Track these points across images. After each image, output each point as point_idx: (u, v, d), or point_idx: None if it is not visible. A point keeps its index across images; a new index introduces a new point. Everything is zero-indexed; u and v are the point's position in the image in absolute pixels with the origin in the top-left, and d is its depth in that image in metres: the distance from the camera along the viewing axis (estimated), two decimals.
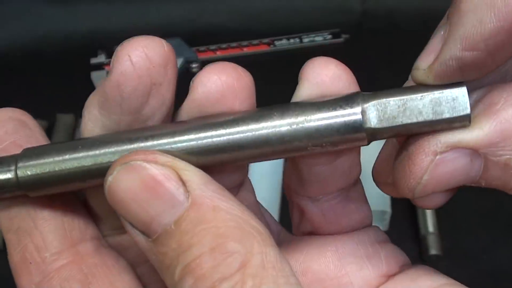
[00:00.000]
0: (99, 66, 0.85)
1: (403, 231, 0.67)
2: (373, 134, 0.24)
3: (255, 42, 0.89)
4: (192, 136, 0.24)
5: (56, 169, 0.24)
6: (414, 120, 0.23)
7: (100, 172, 0.24)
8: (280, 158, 0.25)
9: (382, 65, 0.83)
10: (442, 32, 0.23)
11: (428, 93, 0.23)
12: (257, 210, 0.30)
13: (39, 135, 0.27)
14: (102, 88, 0.24)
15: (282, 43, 0.89)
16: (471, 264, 0.63)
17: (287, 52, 0.88)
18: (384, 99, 0.24)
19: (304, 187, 0.28)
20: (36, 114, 0.86)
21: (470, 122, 0.23)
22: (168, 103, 0.25)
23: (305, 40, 0.89)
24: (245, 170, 0.29)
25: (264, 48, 0.88)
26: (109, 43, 0.90)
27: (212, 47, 0.88)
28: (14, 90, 0.85)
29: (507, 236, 0.66)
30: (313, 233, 0.30)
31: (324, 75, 0.25)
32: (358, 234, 0.30)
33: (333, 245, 0.30)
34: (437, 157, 0.23)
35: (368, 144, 0.24)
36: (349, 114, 0.24)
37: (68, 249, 0.25)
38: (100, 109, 0.25)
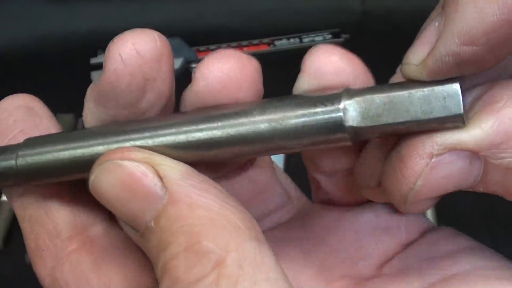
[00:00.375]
0: (99, 66, 0.85)
1: None
2: (356, 134, 0.22)
3: (255, 42, 0.89)
4: (172, 131, 0.23)
5: (54, 158, 0.24)
6: (401, 120, 0.22)
7: (88, 164, 0.24)
8: (265, 155, 0.25)
9: (382, 65, 0.83)
10: (436, 24, 0.21)
11: (417, 90, 0.21)
12: (272, 184, 0.29)
13: (49, 122, 0.27)
14: (97, 84, 0.24)
15: (282, 43, 0.89)
16: None
17: (287, 52, 0.88)
18: (368, 96, 0.22)
19: (317, 165, 0.28)
20: None
21: (464, 122, 0.21)
22: (165, 95, 0.25)
23: (305, 40, 0.89)
24: None
25: (264, 48, 0.88)
26: (109, 43, 0.90)
27: (212, 47, 0.88)
28: (14, 90, 0.85)
29: (507, 236, 0.66)
30: (331, 202, 0.29)
31: (325, 68, 0.24)
32: (374, 206, 0.29)
33: (350, 216, 0.29)
34: (433, 160, 0.21)
35: (353, 144, 0.23)
36: (330, 112, 0.22)
37: (78, 234, 0.25)
38: (96, 104, 0.25)
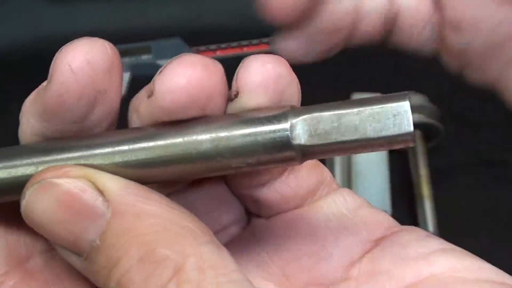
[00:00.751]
0: None
1: None
2: (304, 153, 0.22)
3: (255, 42, 0.89)
4: (109, 150, 0.22)
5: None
6: (350, 137, 0.21)
7: (18, 185, 0.22)
8: (210, 176, 0.23)
9: (382, 65, 0.83)
10: None
11: (366, 107, 0.21)
12: (229, 198, 0.28)
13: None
14: (40, 97, 0.23)
15: None
16: None
17: None
18: (317, 114, 0.21)
19: (251, 180, 0.26)
20: None
21: (414, 140, 0.21)
22: (115, 109, 0.23)
23: None
24: None
25: (264, 48, 0.88)
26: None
27: (212, 47, 0.88)
28: (14, 90, 0.85)
29: (507, 236, 0.66)
30: (279, 212, 0.28)
31: (266, 77, 0.23)
32: (331, 201, 0.28)
33: (303, 217, 0.28)
34: None
35: (300, 163, 0.22)
36: (277, 131, 0.21)
37: (15, 269, 0.24)
38: (40, 119, 0.23)
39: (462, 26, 0.29)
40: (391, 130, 0.21)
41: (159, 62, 0.85)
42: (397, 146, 0.21)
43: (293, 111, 0.22)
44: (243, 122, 0.22)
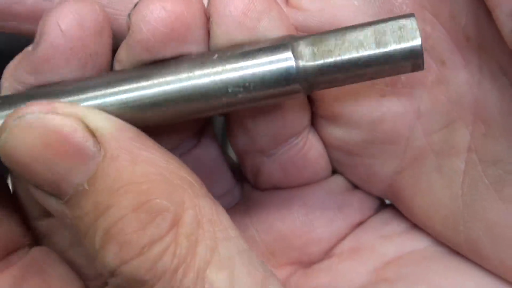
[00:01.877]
0: None
1: None
2: (309, 80, 0.21)
3: None
4: (105, 91, 0.21)
5: None
6: (354, 55, 0.20)
7: None
8: (213, 115, 0.22)
9: None
10: None
11: (371, 25, 0.20)
12: (220, 166, 0.28)
13: None
14: (28, 60, 0.21)
15: None
16: None
17: None
18: (318, 36, 0.21)
19: (254, 141, 0.26)
20: None
21: (423, 60, 0.20)
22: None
23: None
24: (199, 124, 0.26)
25: None
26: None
27: None
28: None
29: None
30: (276, 187, 0.28)
31: (236, 2, 0.22)
32: (326, 184, 0.28)
33: (299, 199, 0.27)
34: None
35: (305, 95, 0.21)
36: (281, 60, 0.20)
37: (3, 260, 0.23)
38: (27, 74, 0.22)
39: (338, 121, 0.26)
40: (398, 42, 0.20)
41: None
42: (406, 67, 0.20)
43: (293, 38, 0.21)
44: (245, 55, 0.20)
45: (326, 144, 0.27)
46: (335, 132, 0.26)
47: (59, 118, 0.19)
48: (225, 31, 0.22)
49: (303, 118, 0.26)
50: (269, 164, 0.27)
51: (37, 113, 0.19)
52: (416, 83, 0.25)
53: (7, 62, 0.86)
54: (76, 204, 0.19)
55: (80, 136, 0.19)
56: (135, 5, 0.21)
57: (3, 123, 0.19)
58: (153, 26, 0.20)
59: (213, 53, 0.21)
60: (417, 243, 0.27)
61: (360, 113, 0.25)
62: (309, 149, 0.27)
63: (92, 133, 0.19)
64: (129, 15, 0.21)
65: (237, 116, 0.26)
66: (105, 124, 0.19)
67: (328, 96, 0.25)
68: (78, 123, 0.19)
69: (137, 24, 0.21)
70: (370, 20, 0.22)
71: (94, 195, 0.19)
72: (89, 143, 0.19)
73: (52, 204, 0.20)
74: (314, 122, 0.27)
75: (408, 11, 0.24)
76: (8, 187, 0.25)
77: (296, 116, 0.26)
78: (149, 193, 0.19)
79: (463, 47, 0.24)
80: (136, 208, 0.18)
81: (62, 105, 0.20)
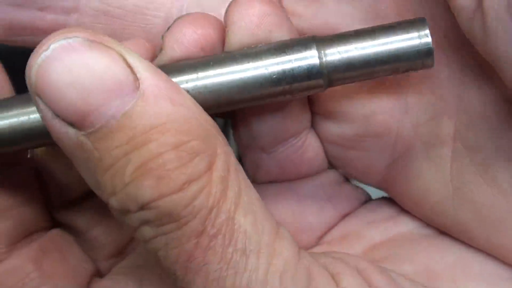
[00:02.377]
0: None
1: None
2: (330, 77, 0.24)
3: None
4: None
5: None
6: (372, 55, 0.23)
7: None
8: (253, 105, 0.24)
9: None
10: None
11: (383, 27, 0.24)
12: None
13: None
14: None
15: None
16: None
17: None
18: (339, 35, 0.24)
19: (256, 139, 0.28)
20: None
21: (433, 53, 0.23)
22: None
23: None
24: None
25: None
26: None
27: None
28: (14, 90, 0.84)
29: None
30: (272, 181, 0.30)
31: (251, 15, 0.24)
32: (318, 177, 0.30)
33: (292, 190, 0.30)
34: None
35: (324, 90, 0.24)
36: (307, 58, 0.23)
37: (22, 241, 0.26)
38: None
39: (333, 117, 0.28)
40: (410, 44, 0.23)
41: None
42: (417, 65, 0.23)
43: (315, 40, 0.23)
44: (275, 52, 0.23)
45: (323, 140, 0.29)
46: (331, 128, 0.28)
47: (104, 49, 0.19)
48: (239, 40, 0.24)
49: (304, 120, 0.29)
50: (268, 161, 0.29)
51: (81, 38, 0.19)
52: (403, 80, 0.27)
53: (23, 77, 0.86)
54: (103, 137, 0.19)
55: (121, 69, 0.19)
56: (168, 28, 0.24)
57: (44, 42, 0.19)
58: (185, 47, 0.24)
59: (249, 50, 0.24)
60: (402, 227, 0.29)
61: (353, 109, 0.28)
62: (307, 148, 0.29)
63: (131, 69, 0.20)
64: (162, 37, 0.24)
65: (243, 115, 0.28)
66: (144, 64, 0.20)
67: (323, 94, 0.27)
68: (120, 57, 0.20)
69: (170, 45, 0.24)
70: (360, 24, 0.25)
71: (129, 129, 0.19)
72: (130, 77, 0.20)
73: (68, 134, 0.20)
74: (311, 120, 0.30)
75: (392, 15, 0.26)
76: (34, 171, 0.28)
77: (297, 118, 0.28)
78: (189, 134, 0.20)
79: (445, 48, 0.26)
80: (177, 146, 0.19)
81: (107, 38, 0.20)
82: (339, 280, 0.22)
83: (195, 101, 0.21)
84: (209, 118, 0.21)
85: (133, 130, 0.19)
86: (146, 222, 0.20)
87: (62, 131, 0.20)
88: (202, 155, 0.20)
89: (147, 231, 0.20)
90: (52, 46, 0.19)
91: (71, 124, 0.20)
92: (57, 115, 0.20)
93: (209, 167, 0.20)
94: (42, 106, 0.20)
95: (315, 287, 0.21)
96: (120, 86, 0.19)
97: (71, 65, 0.19)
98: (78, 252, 0.28)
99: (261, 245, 0.21)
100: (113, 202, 0.20)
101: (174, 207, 0.19)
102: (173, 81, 0.21)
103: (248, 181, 0.22)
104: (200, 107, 0.21)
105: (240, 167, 0.22)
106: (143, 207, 0.19)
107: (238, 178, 0.21)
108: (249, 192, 0.22)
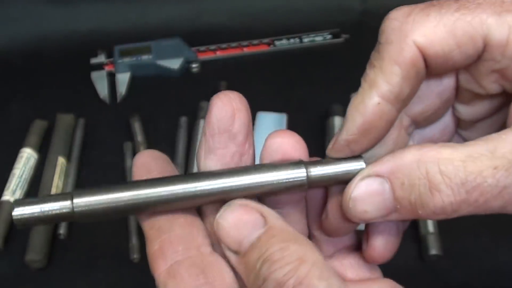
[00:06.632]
0: (99, 66, 0.85)
1: None
2: (311, 185, 0.32)
3: (255, 42, 0.89)
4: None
5: (107, 205, 0.31)
6: (342, 174, 0.33)
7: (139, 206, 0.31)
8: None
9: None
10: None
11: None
12: None
13: (172, 167, 0.34)
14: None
15: (282, 43, 0.89)
16: (471, 264, 0.63)
17: (287, 52, 0.88)
18: (317, 164, 0.33)
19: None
20: (36, 114, 0.86)
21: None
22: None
23: (305, 40, 0.89)
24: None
25: (264, 48, 0.88)
26: (109, 43, 0.90)
27: (212, 47, 0.88)
28: (14, 90, 0.85)
29: (507, 235, 0.66)
30: None
31: (284, 148, 0.32)
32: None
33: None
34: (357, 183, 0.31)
35: (307, 189, 0.33)
36: (297, 174, 0.32)
37: (192, 248, 0.32)
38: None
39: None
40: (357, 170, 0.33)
41: (159, 62, 0.85)
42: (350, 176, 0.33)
43: (303, 162, 0.32)
44: (273, 169, 0.32)
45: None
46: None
47: (244, 203, 0.31)
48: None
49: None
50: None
51: (236, 204, 0.31)
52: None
53: (23, 77, 0.86)
54: (248, 255, 0.30)
55: (254, 214, 0.31)
56: (212, 103, 0.32)
57: (221, 208, 0.31)
58: (222, 116, 0.32)
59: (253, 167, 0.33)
60: None
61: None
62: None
63: (261, 214, 0.31)
64: (209, 106, 0.32)
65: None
66: (269, 211, 0.31)
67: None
68: (255, 208, 0.31)
69: (212, 115, 0.32)
70: None
71: (259, 247, 0.29)
72: (261, 220, 0.30)
73: (232, 257, 0.31)
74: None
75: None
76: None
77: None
78: (286, 240, 0.29)
79: None
80: (281, 248, 0.29)
81: (249, 201, 0.31)
82: None
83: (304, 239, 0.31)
84: (315, 251, 0.30)
85: (261, 248, 0.29)
86: None
87: (229, 256, 0.31)
88: (294, 253, 0.29)
89: None
90: (223, 209, 0.31)
91: (233, 252, 0.31)
92: (227, 248, 0.31)
93: (300, 262, 0.28)
94: (222, 245, 0.31)
95: None
96: (258, 223, 0.30)
97: (232, 217, 0.31)
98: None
99: None
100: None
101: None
102: (282, 220, 0.31)
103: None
104: (308, 242, 0.30)
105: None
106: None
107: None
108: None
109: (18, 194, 0.69)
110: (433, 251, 0.63)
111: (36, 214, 0.30)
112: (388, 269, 0.36)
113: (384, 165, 0.30)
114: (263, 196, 0.33)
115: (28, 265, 0.64)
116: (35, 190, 0.70)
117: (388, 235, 0.35)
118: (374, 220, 0.31)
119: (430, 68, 0.31)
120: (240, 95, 0.32)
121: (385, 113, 0.31)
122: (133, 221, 0.67)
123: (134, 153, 0.74)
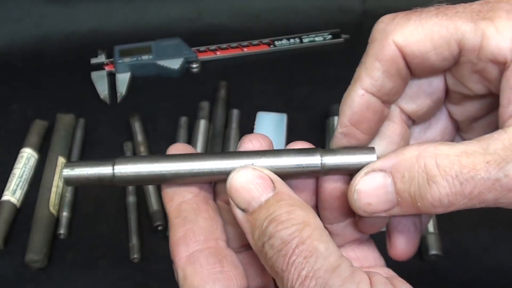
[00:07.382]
0: (99, 66, 0.85)
1: None
2: (326, 173, 0.35)
3: (255, 42, 0.89)
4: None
5: (143, 173, 0.35)
6: (353, 163, 0.35)
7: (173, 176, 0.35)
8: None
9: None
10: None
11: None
12: None
13: None
14: None
15: (282, 43, 0.89)
16: (471, 264, 0.63)
17: (287, 52, 0.88)
18: (332, 152, 0.35)
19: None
20: (36, 114, 0.86)
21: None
22: None
23: (305, 40, 0.89)
24: None
25: (264, 48, 0.88)
26: (109, 43, 0.90)
27: (212, 47, 0.88)
28: (14, 90, 0.85)
29: (507, 235, 0.66)
30: None
31: None
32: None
33: None
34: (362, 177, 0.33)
35: (321, 176, 0.36)
36: (312, 160, 0.35)
37: (212, 240, 0.35)
38: None
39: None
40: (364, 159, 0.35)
41: (159, 62, 0.85)
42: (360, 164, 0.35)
43: (319, 150, 0.35)
44: (291, 156, 0.35)
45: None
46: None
47: (257, 171, 0.34)
48: None
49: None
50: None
51: (249, 167, 0.34)
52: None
53: (23, 77, 0.86)
54: (257, 213, 0.32)
55: (266, 180, 0.33)
56: (242, 141, 0.36)
57: (230, 170, 0.34)
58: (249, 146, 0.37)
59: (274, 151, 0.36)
60: None
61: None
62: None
63: (271, 180, 0.33)
64: (240, 142, 0.37)
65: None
66: (277, 178, 0.33)
67: None
68: (266, 175, 0.33)
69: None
70: None
71: (269, 207, 0.32)
72: (271, 185, 0.33)
73: (240, 214, 0.33)
74: None
75: None
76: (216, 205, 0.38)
77: None
78: (293, 205, 0.32)
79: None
80: (288, 211, 0.31)
81: (262, 167, 0.34)
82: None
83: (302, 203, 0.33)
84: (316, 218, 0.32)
85: (268, 208, 0.32)
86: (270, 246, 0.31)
87: (237, 213, 0.33)
88: (299, 219, 0.31)
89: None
90: (234, 171, 0.34)
91: (242, 209, 0.33)
92: (236, 205, 0.33)
93: (304, 225, 0.31)
94: (231, 203, 0.33)
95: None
96: (269, 186, 0.33)
97: (244, 178, 0.33)
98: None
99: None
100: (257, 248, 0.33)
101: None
102: (287, 187, 0.33)
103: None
104: (309, 208, 0.33)
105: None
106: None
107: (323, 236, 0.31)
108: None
109: (18, 194, 0.70)
110: (433, 251, 0.63)
111: (82, 175, 0.35)
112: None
113: (387, 160, 0.32)
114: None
115: (28, 265, 0.64)
116: (35, 190, 0.70)
117: (408, 233, 0.37)
118: (377, 213, 0.33)
119: (411, 67, 0.34)
120: None
121: (371, 104, 0.34)
122: (133, 221, 0.67)
123: (134, 153, 0.74)
